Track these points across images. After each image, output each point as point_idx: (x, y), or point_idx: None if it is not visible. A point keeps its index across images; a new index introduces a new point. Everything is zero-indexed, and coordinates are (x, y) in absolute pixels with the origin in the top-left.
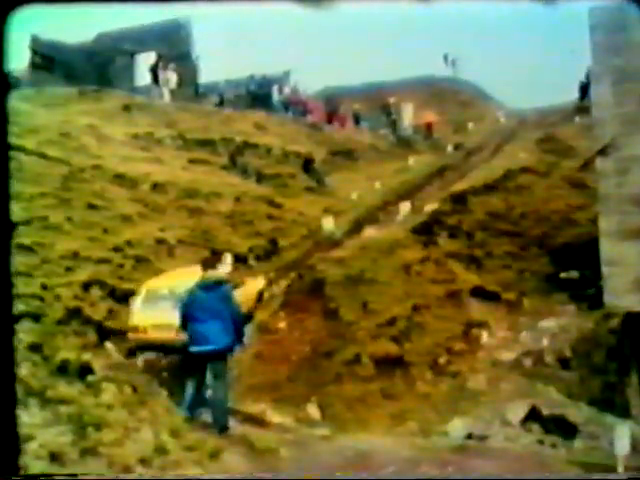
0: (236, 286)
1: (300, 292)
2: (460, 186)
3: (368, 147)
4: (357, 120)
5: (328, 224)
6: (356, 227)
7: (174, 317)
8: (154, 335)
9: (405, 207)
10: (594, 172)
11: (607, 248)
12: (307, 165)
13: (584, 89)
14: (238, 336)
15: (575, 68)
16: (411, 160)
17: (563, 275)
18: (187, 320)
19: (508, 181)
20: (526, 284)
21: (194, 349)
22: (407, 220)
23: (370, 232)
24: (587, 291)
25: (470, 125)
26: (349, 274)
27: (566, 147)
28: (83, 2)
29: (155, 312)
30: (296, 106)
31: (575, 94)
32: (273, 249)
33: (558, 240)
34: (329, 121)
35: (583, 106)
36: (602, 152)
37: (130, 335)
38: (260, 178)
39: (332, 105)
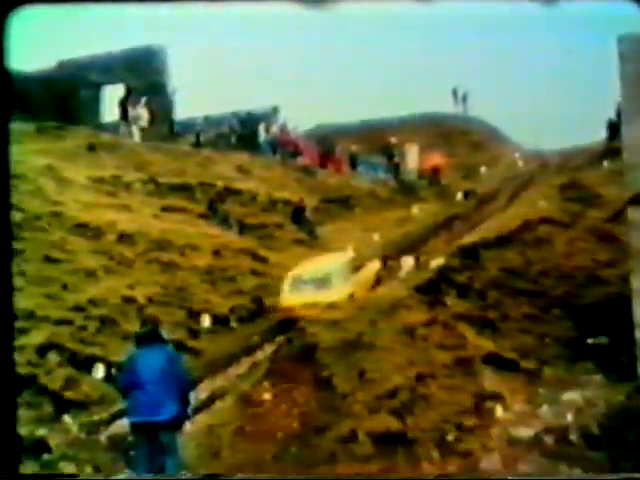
0: (355, 269)
1: (288, 359)
2: (471, 239)
3: (366, 194)
4: (354, 163)
5: None
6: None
7: (316, 297)
8: (302, 312)
9: (408, 262)
10: (625, 223)
11: None
12: (297, 214)
13: (613, 128)
14: (184, 405)
15: (603, 101)
16: (415, 209)
17: (590, 341)
18: (128, 386)
19: (526, 233)
20: (547, 351)
21: (136, 419)
22: (410, 277)
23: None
24: (618, 359)
25: (483, 169)
26: (344, 338)
27: (592, 195)
28: (83, 2)
29: (300, 294)
30: (285, 147)
31: (603, 133)
32: (258, 309)
33: (584, 301)
34: (322, 164)
35: (613, 148)
36: (634, 201)
37: (281, 314)
38: (243, 228)
39: (326, 146)
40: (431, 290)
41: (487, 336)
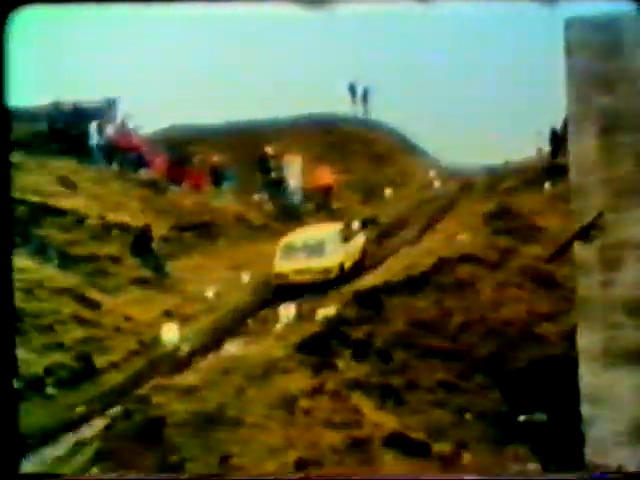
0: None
1: (126, 437)
2: (370, 281)
3: (234, 219)
4: (218, 178)
5: (170, 334)
6: (213, 340)
7: (309, 263)
8: (294, 278)
9: (288, 311)
10: (570, 264)
11: (589, 378)
12: (139, 244)
13: (557, 141)
14: None
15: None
16: None
17: (523, 418)
18: None
19: (442, 275)
20: (467, 430)
21: None
22: (291, 331)
23: (234, 348)
24: (559, 442)
25: (388, 191)
26: (201, 411)
27: (529, 226)
28: (83, 2)
29: (293, 261)
30: (125, 153)
31: (545, 147)
32: (85, 370)
33: (516, 364)
34: (175, 178)
35: (556, 166)
36: (583, 235)
37: (274, 280)
38: (66, 261)
39: (181, 154)
40: (318, 349)
41: (390, 410)
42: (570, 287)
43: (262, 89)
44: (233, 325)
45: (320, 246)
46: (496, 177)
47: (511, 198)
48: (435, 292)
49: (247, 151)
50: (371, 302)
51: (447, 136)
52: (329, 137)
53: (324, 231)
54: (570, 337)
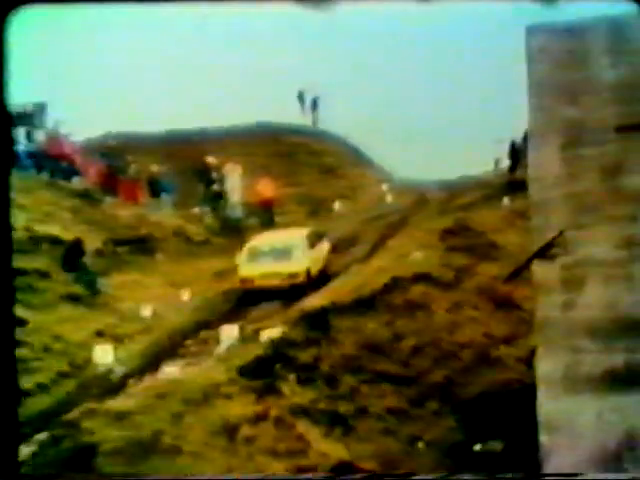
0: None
1: (53, 466)
2: (318, 301)
3: (173, 234)
4: (157, 189)
5: (103, 356)
6: (149, 362)
7: (276, 268)
8: (260, 283)
9: (230, 332)
10: (529, 284)
11: (548, 405)
12: (70, 259)
13: (517, 154)
14: None
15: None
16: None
17: (478, 447)
18: None
19: (394, 295)
20: (420, 460)
21: None
22: (233, 353)
23: (171, 371)
24: (515, 472)
25: (337, 205)
26: (135, 438)
27: (486, 244)
28: (83, 2)
29: (259, 265)
30: (57, 161)
31: (504, 161)
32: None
33: (471, 390)
34: (111, 188)
35: (515, 180)
36: (543, 253)
37: (240, 284)
38: None
39: (117, 163)
40: (261, 372)
41: (337, 439)
42: (529, 308)
43: (205, 96)
44: (171, 346)
45: (287, 250)
46: (452, 192)
47: (468, 214)
48: (386, 313)
49: (188, 161)
50: (318, 323)
51: (400, 148)
52: (275, 147)
53: (290, 236)
54: (529, 361)
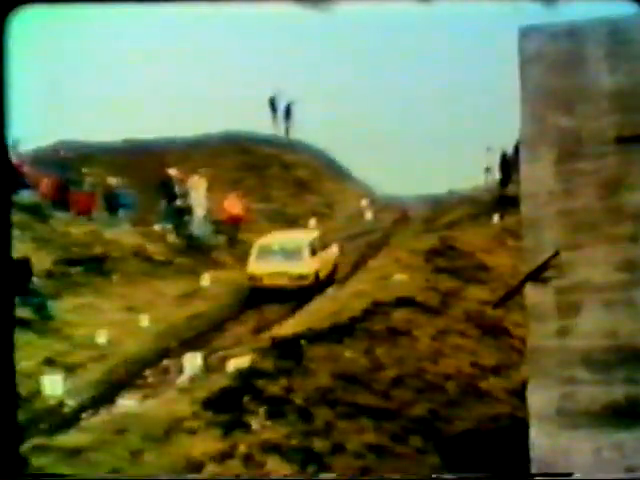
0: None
1: None
2: (290, 328)
3: (131, 253)
4: (114, 204)
5: (53, 386)
6: (105, 393)
7: (285, 267)
8: (269, 282)
9: (193, 361)
10: (521, 310)
11: (541, 441)
12: (18, 279)
13: (508, 167)
14: None
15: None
16: (206, 279)
17: None
18: None
19: (374, 321)
20: None
21: None
22: (197, 384)
23: (129, 403)
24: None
25: (312, 222)
26: (91, 478)
27: (474, 265)
28: (83, 2)
29: (269, 263)
30: None
31: (494, 174)
32: None
33: (456, 425)
34: (63, 203)
35: (506, 196)
36: (536, 276)
37: (248, 282)
38: None
39: (71, 175)
40: (228, 406)
41: (311, 478)
42: (521, 336)
43: (169, 102)
44: (128, 376)
45: (298, 251)
46: (438, 208)
47: (454, 233)
48: (366, 341)
49: (148, 174)
50: (291, 352)
51: (382, 160)
52: (244, 159)
53: (301, 237)
54: (520, 394)
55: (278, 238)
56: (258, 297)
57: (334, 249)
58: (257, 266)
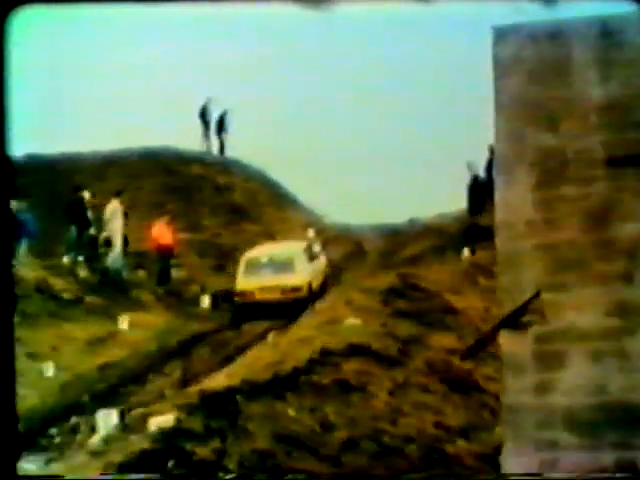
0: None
1: None
2: (223, 380)
3: (34, 289)
4: (14, 232)
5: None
6: (2, 457)
7: (278, 281)
8: (260, 296)
9: (108, 419)
10: (494, 361)
11: None
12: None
13: (478, 190)
14: None
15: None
16: (124, 322)
17: None
18: None
19: (322, 373)
20: None
21: None
22: (111, 446)
23: (31, 468)
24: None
25: (310, 232)
26: None
27: (440, 308)
28: (83, 2)
29: (258, 277)
30: None
31: (462, 200)
32: None
33: None
34: None
35: (477, 226)
36: (512, 321)
37: (237, 299)
38: None
39: None
40: (149, 472)
41: None
42: (494, 392)
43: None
44: (30, 436)
45: (289, 262)
46: (397, 240)
47: (417, 269)
48: (312, 396)
49: (55, 196)
50: (223, 408)
51: (333, 184)
52: (169, 180)
53: (289, 248)
54: (493, 460)
55: (266, 250)
56: (246, 314)
57: (322, 259)
58: (246, 281)
